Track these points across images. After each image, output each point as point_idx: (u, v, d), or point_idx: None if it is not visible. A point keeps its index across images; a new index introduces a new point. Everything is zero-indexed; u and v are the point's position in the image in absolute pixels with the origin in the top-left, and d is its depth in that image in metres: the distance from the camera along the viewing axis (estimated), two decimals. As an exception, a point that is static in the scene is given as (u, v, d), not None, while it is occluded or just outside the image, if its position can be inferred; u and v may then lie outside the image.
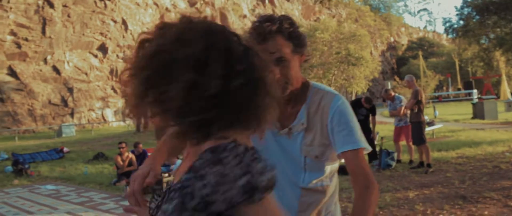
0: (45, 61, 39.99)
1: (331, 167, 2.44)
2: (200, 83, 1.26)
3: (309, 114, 2.37)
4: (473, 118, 30.17)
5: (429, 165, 11.54)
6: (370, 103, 13.39)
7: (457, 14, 25.20)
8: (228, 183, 1.20)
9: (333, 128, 2.32)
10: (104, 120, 41.72)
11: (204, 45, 1.29)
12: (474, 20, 23.12)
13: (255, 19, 2.34)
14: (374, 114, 13.39)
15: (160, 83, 1.27)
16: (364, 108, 13.21)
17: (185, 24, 1.37)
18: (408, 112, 12.84)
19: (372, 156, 13.54)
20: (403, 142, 13.38)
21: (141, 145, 15.09)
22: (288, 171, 2.35)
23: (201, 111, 1.27)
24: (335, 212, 2.52)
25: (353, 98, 52.11)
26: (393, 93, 13.23)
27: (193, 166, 1.27)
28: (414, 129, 11.93)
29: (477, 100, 37.35)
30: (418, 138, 11.79)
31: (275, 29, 2.18)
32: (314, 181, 2.35)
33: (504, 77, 57.28)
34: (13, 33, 38.86)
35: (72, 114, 40.25)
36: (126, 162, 13.81)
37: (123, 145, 14.19)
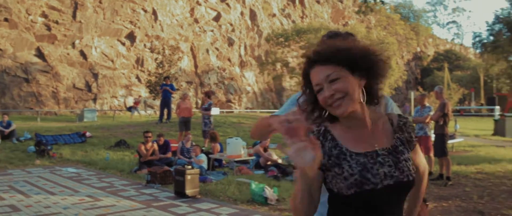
0: (73, 45, 40.29)
1: None
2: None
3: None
4: (493, 134, 29.92)
5: (448, 178, 11.55)
6: None
7: (487, 29, 25.03)
8: None
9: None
10: (126, 108, 41.98)
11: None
12: (505, 37, 22.91)
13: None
14: None
15: None
16: None
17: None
18: (431, 123, 12.86)
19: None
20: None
21: (163, 137, 15.24)
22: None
23: None
24: None
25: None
26: (427, 102, 13.21)
27: None
28: (437, 141, 11.94)
29: (499, 117, 37.05)
30: (440, 150, 11.80)
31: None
32: None
33: (529, 96, 56.77)
34: (44, 15, 39.20)
35: (94, 100, 40.52)
36: (150, 151, 13.98)
37: (150, 134, 14.36)
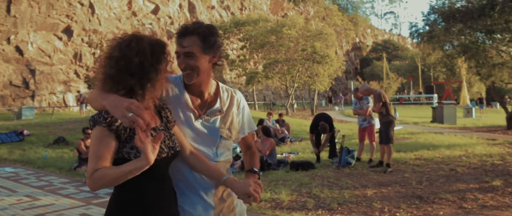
0: (8, 40, 39.19)
1: (232, 144, 3.31)
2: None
3: (224, 104, 3.16)
4: (432, 121, 30.63)
5: (388, 165, 11.74)
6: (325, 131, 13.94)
7: (423, 20, 25.41)
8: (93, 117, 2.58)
9: (242, 116, 3.29)
10: (65, 104, 41.15)
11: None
12: (440, 27, 23.29)
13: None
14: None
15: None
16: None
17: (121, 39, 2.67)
18: (373, 114, 13.06)
19: (332, 153, 13.79)
20: (366, 141, 13.64)
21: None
22: (204, 148, 3.06)
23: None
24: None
25: (316, 96, 52.25)
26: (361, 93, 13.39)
27: None
28: (383, 128, 12.09)
29: (437, 104, 37.87)
30: (386, 137, 11.92)
31: (193, 29, 2.94)
32: (224, 156, 3.16)
33: (464, 84, 58.14)
34: (-24, 11, 38.11)
35: (32, 97, 39.55)
36: (90, 148, 13.73)
37: (89, 130, 14.11)
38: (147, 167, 2.46)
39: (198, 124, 3.05)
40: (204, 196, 3.03)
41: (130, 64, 2.59)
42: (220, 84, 3.24)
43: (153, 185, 2.68)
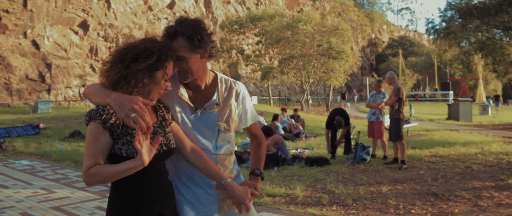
0: (24, 34, 39.38)
1: (234, 136, 3.29)
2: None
3: (221, 97, 3.13)
4: (448, 118, 30.50)
5: (403, 162, 11.68)
6: (341, 126, 13.75)
7: (440, 16, 25.48)
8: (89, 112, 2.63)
9: (242, 107, 3.24)
10: (81, 98, 41.35)
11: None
12: (457, 23, 23.21)
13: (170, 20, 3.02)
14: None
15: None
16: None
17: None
18: (385, 109, 12.98)
19: (347, 149, 13.74)
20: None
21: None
22: (203, 142, 3.06)
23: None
24: (239, 170, 3.37)
25: (331, 92, 52.12)
26: (382, 87, 13.29)
27: None
28: (393, 125, 12.03)
29: (452, 101, 37.72)
30: (396, 134, 11.89)
31: (176, 31, 2.87)
32: (224, 148, 3.14)
33: (481, 81, 57.92)
34: (-7, 5, 38.30)
35: (49, 91, 39.75)
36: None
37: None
38: (142, 168, 2.53)
39: (195, 118, 3.05)
40: (206, 188, 3.06)
41: (132, 58, 2.66)
42: (219, 75, 3.23)
43: (146, 181, 2.73)
